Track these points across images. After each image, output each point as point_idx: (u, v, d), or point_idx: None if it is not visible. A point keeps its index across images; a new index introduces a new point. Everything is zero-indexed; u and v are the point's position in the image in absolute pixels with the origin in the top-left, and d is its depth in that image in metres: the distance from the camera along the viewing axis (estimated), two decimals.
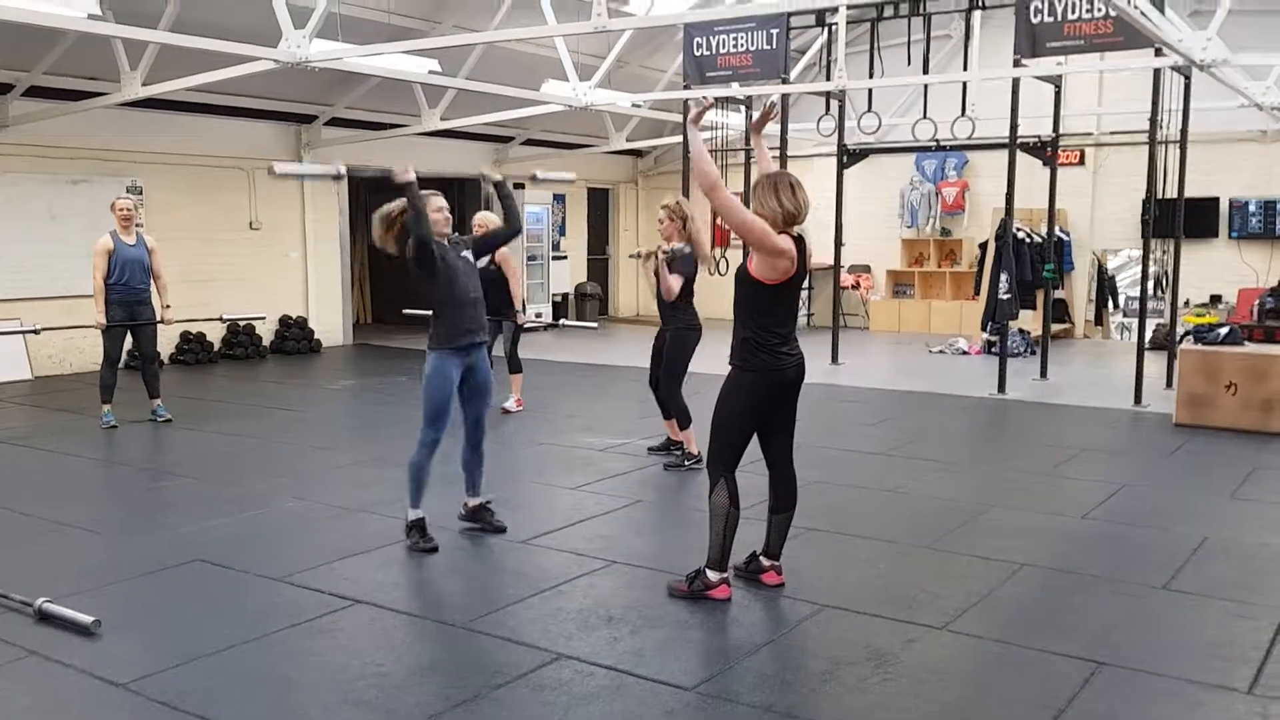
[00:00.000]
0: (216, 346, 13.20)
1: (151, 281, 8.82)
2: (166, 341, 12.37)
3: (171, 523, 5.93)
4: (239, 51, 8.61)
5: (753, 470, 4.92)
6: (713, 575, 4.63)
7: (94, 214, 11.82)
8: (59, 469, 7.40)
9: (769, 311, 4.53)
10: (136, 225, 9.02)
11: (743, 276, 4.56)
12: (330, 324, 14.65)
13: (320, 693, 3.75)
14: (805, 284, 5.62)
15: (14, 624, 4.36)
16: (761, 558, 4.87)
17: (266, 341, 13.75)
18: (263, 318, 12.34)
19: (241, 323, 12.96)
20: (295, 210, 13.95)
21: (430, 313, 5.38)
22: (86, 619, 4.29)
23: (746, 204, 4.63)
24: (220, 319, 10.50)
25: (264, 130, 13.57)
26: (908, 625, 4.31)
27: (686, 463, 7.20)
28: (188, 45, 8.50)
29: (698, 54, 11.83)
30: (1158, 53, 9.28)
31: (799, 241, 4.50)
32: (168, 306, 8.92)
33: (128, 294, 8.59)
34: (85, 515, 6.09)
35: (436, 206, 5.34)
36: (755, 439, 4.77)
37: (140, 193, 12.25)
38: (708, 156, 4.56)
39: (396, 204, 5.35)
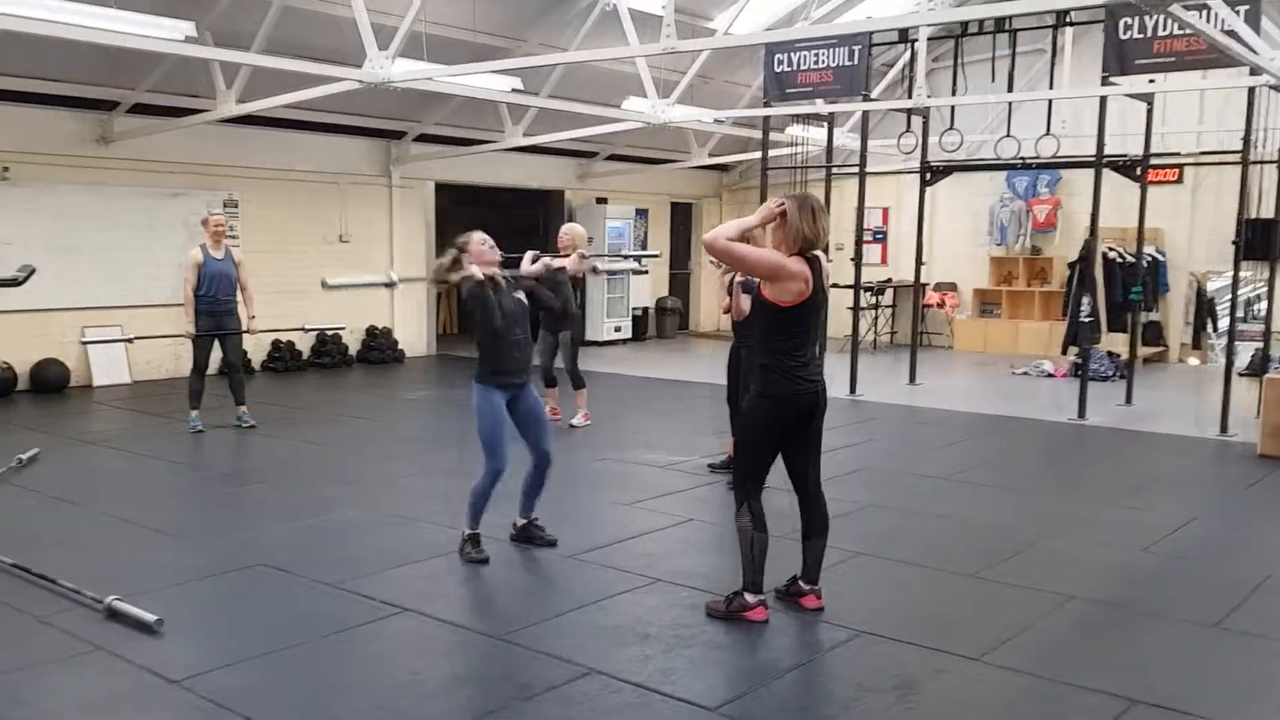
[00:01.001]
0: (305, 355, 13.64)
1: (239, 293, 9.18)
2: (258, 350, 12.89)
3: (240, 527, 6.19)
4: (325, 72, 8.95)
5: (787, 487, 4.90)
6: (750, 597, 4.67)
7: (191, 226, 12.36)
8: (143, 471, 7.76)
9: (786, 335, 4.55)
10: (228, 239, 9.41)
11: (758, 302, 4.62)
12: (414, 334, 15.03)
13: (355, 698, 3.90)
14: (824, 306, 5.64)
15: (84, 619, 4.61)
16: (801, 582, 4.89)
17: (353, 351, 14.16)
18: (343, 328, 12.73)
19: (329, 331, 13.36)
20: (384, 225, 14.34)
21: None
22: (150, 617, 4.52)
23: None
24: (302, 329, 10.86)
25: (354, 146, 14.01)
26: (941, 655, 4.28)
27: None
28: (277, 66, 8.88)
29: (778, 70, 11.83)
30: (1253, 70, 9.01)
31: (814, 263, 4.52)
32: (252, 317, 9.28)
33: (214, 305, 8.96)
34: (161, 517, 6.39)
35: (479, 240, 5.49)
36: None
37: (235, 206, 12.75)
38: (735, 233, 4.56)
39: (448, 258, 5.53)
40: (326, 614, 4.74)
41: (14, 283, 2.47)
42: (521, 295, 5.60)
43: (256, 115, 11.18)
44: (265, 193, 13.09)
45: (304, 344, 13.62)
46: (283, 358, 13.29)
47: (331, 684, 4.03)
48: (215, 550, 5.71)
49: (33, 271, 2.54)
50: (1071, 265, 14.16)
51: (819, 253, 4.58)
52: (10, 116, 10.82)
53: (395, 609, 4.81)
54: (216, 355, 9.26)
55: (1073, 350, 12.71)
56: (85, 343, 11.61)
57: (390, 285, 4.63)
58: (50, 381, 11.18)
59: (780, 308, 4.50)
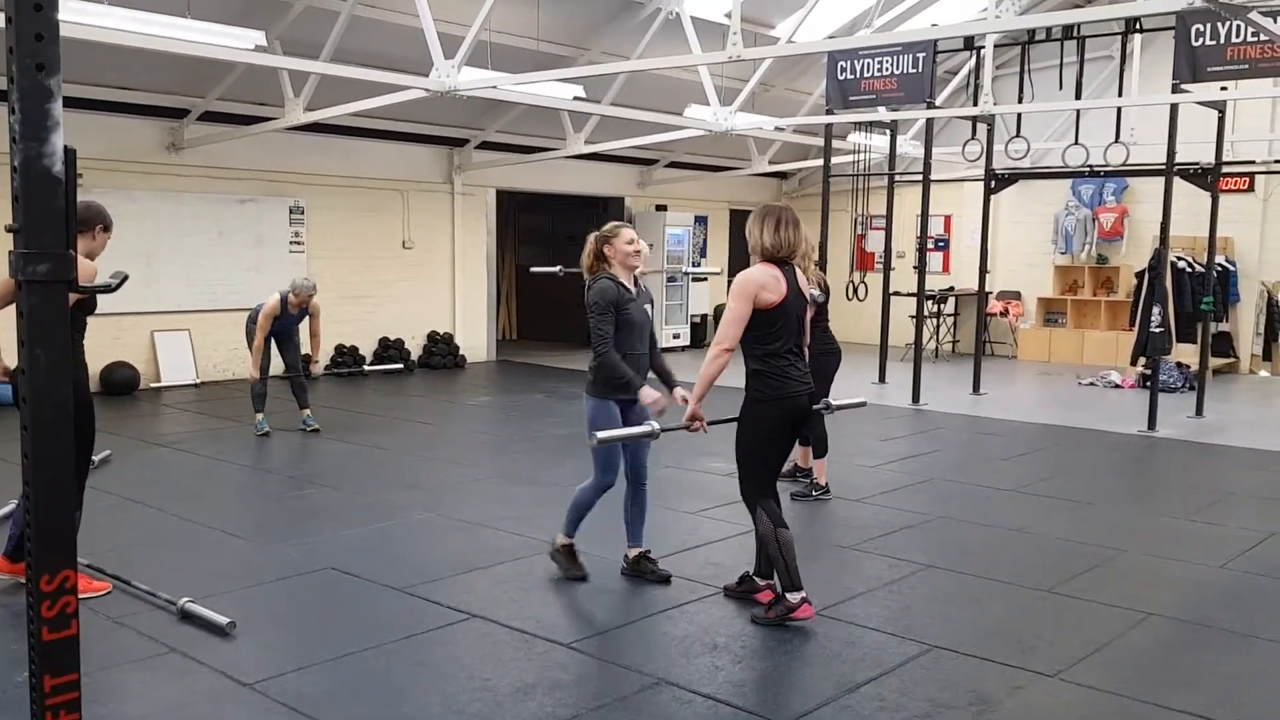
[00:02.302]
0: (369, 360, 13.79)
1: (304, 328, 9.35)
2: (321, 354, 13.04)
3: (308, 530, 6.26)
4: (391, 81, 9.05)
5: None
6: (792, 597, 4.69)
7: (259, 232, 12.61)
8: (211, 473, 7.88)
9: (771, 337, 4.66)
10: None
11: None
12: (475, 340, 15.13)
13: (427, 704, 3.91)
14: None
15: (159, 621, 4.68)
16: (755, 577, 5.00)
17: (415, 356, 14.29)
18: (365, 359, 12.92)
19: (396, 340, 13.50)
20: (446, 232, 14.46)
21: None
22: (223, 620, 4.58)
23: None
24: (361, 361, 10.94)
25: (418, 153, 14.14)
26: (1017, 671, 4.20)
27: (814, 493, 7.15)
28: (345, 75, 8.99)
29: (841, 78, 11.77)
30: None
31: (783, 267, 4.66)
32: (315, 361, 9.43)
33: (279, 335, 9.22)
34: (230, 519, 6.48)
35: (628, 239, 5.14)
36: None
37: (302, 213, 12.94)
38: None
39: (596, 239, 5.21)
40: (396, 618, 4.77)
41: (107, 289, 2.49)
42: (650, 308, 5.27)
43: (323, 123, 11.33)
44: (331, 199, 13.28)
45: (367, 349, 13.79)
46: (346, 362, 13.45)
47: (402, 689, 4.05)
48: (284, 553, 5.78)
49: (125, 278, 2.57)
50: (1140, 275, 13.89)
51: (795, 264, 4.74)
52: (86, 124, 11.06)
53: (464, 615, 4.82)
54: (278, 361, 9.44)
55: (1141, 361, 12.48)
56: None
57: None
58: (120, 384, 11.42)
59: (760, 311, 4.62)
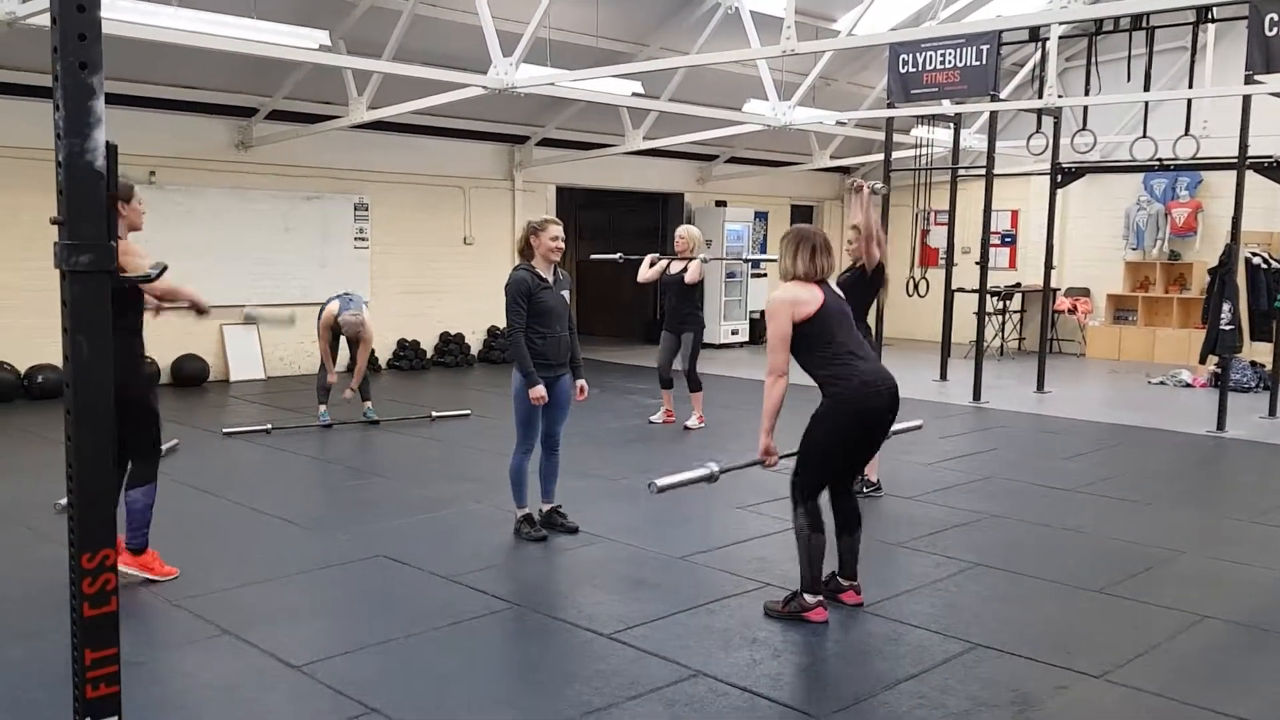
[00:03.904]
0: (429, 354, 13.98)
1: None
2: (384, 349, 13.29)
3: (362, 519, 6.38)
4: (452, 79, 9.16)
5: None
6: (809, 598, 4.68)
7: (324, 228, 12.86)
8: (274, 463, 8.06)
9: (823, 344, 4.66)
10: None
11: (795, 331, 4.69)
12: None
13: (470, 690, 3.97)
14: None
15: (214, 604, 4.82)
16: (839, 578, 4.91)
17: (475, 350, 14.46)
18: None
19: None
20: (506, 228, 14.59)
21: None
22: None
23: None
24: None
25: (480, 150, 14.30)
26: (1062, 671, 4.14)
27: (865, 489, 7.10)
28: (407, 74, 9.13)
29: (903, 71, 11.65)
30: None
31: (820, 284, 4.72)
32: (352, 390, 9.36)
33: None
34: (288, 507, 6.63)
35: (553, 235, 5.82)
36: None
37: (366, 209, 13.16)
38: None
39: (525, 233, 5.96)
40: (442, 606, 4.85)
41: (147, 279, 2.62)
42: (566, 294, 5.97)
43: (386, 121, 11.50)
44: (394, 196, 13.48)
45: (428, 342, 13.98)
46: (408, 356, 13.66)
47: (446, 674, 4.12)
48: (338, 541, 5.90)
49: (165, 268, 2.69)
50: (1212, 271, 13.55)
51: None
52: (158, 123, 11.38)
53: (508, 603, 4.89)
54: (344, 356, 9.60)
55: (1212, 359, 12.17)
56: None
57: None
58: (190, 375, 11.73)
59: (801, 324, 4.63)
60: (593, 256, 10.40)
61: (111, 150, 2.34)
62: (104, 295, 2.35)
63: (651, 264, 9.67)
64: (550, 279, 5.85)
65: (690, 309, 9.54)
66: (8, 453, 8.20)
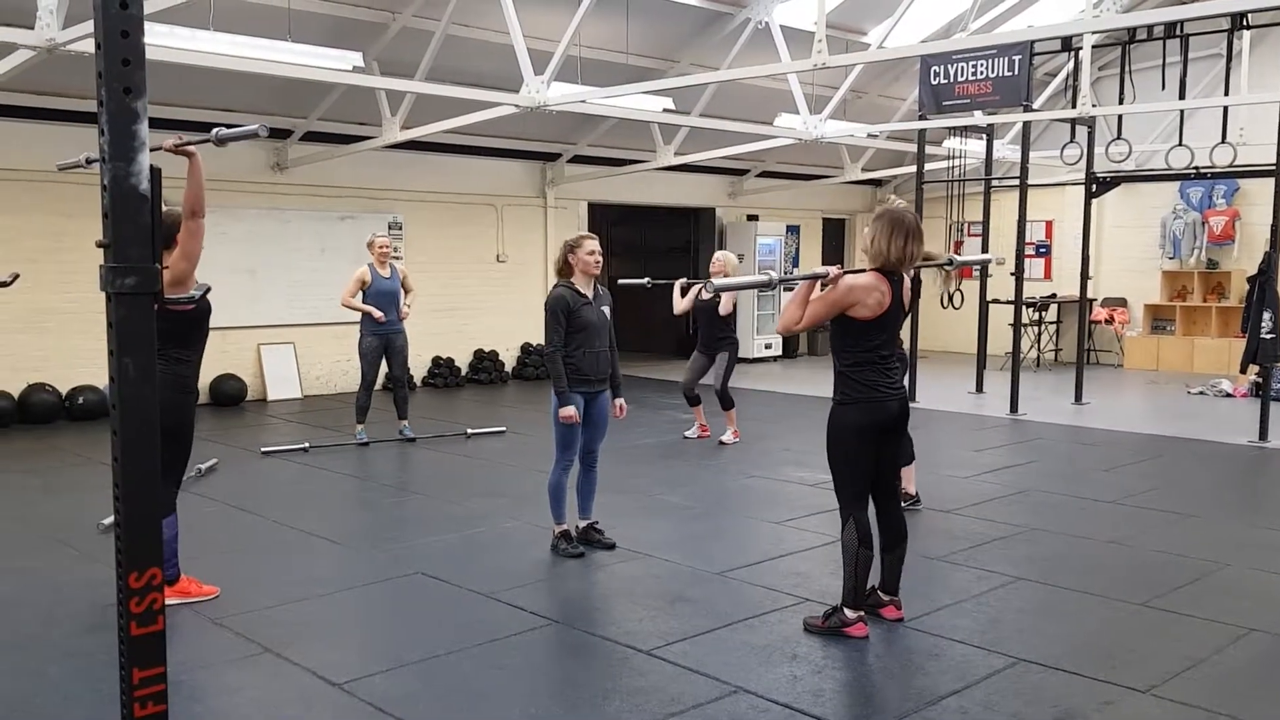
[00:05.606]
0: (464, 371, 14.05)
1: (403, 305, 9.50)
2: (419, 366, 13.36)
3: (400, 536, 6.41)
4: (484, 98, 9.25)
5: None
6: (849, 613, 4.64)
7: (359, 248, 12.84)
8: (312, 481, 8.11)
9: (864, 346, 4.60)
10: (393, 259, 9.75)
11: (838, 318, 4.63)
12: None
13: (506, 708, 3.97)
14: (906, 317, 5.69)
15: (255, 622, 4.85)
16: (880, 592, 4.87)
17: (509, 367, 14.51)
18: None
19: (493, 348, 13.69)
20: (539, 245, 14.66)
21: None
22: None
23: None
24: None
25: (512, 168, 14.38)
26: (1107, 686, 4.09)
27: (903, 503, 7.03)
28: (440, 94, 9.21)
29: (934, 83, 11.61)
30: None
31: (892, 277, 4.58)
32: (408, 306, 9.58)
33: (380, 326, 9.29)
34: (327, 525, 6.67)
35: (589, 249, 5.87)
36: None
37: (400, 228, 13.27)
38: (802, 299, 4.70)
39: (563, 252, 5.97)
40: (480, 623, 4.85)
41: (190, 300, 2.67)
42: (607, 310, 6.01)
43: (420, 141, 11.60)
44: (428, 214, 13.58)
45: (463, 360, 14.05)
46: (442, 374, 13.72)
47: (485, 691, 4.12)
48: (376, 558, 5.93)
49: (208, 289, 2.72)
50: (1251, 279, 13.35)
51: (903, 274, 4.66)
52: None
53: (546, 620, 4.89)
54: (383, 372, 9.65)
55: (1252, 369, 11.99)
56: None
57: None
58: (228, 395, 11.84)
59: (857, 321, 4.56)
60: (620, 282, 10.09)
61: (155, 173, 2.36)
62: (149, 317, 2.38)
63: (683, 291, 9.54)
64: (590, 294, 5.89)
65: (725, 332, 9.50)
66: (50, 473, 8.31)
